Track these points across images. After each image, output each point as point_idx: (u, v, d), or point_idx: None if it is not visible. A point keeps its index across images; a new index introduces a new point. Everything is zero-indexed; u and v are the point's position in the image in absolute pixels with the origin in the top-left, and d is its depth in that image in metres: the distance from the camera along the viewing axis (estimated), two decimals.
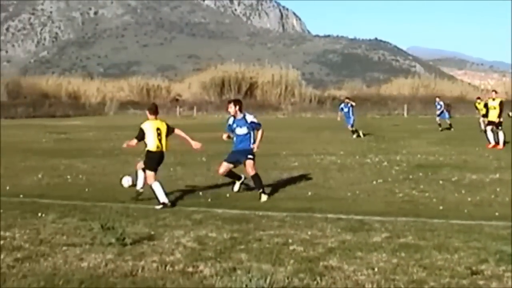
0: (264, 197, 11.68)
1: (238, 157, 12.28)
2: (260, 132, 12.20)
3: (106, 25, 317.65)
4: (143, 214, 9.99)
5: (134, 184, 12.25)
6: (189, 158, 19.67)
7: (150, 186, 11.18)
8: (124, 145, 11.82)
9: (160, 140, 11.59)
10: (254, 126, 12.25)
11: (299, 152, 21.68)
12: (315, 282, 6.19)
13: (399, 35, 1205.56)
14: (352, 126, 29.96)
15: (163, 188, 11.09)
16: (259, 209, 10.56)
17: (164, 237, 8.22)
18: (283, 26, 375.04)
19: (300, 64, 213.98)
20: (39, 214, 9.77)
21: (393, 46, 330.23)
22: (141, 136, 11.49)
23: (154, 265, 6.80)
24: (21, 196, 11.82)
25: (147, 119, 11.62)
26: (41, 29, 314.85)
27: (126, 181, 12.71)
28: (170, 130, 11.90)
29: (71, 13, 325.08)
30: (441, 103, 37.04)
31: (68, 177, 14.95)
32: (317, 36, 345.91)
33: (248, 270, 6.50)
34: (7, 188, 13.04)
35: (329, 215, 9.76)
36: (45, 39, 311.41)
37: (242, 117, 12.43)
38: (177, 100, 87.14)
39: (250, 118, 12.39)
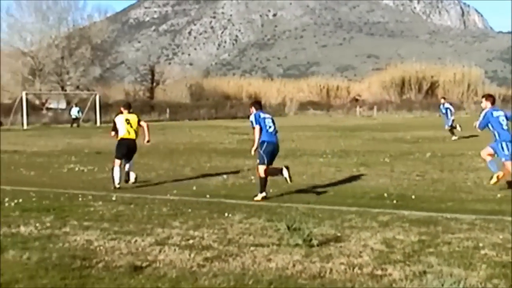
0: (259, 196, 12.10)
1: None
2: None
3: (285, 26, 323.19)
4: (328, 215, 9.98)
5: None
6: (372, 158, 19.54)
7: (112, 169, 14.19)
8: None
9: (129, 129, 14.78)
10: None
11: None
12: None
13: None
14: (451, 126, 28.85)
15: (120, 175, 13.98)
16: (446, 211, 10.24)
17: (351, 239, 8.17)
18: (464, 23, 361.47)
19: (483, 61, 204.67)
20: (226, 214, 10.06)
21: None
22: (114, 127, 15.03)
23: (342, 267, 6.77)
24: (208, 196, 12.28)
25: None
26: (222, 32, 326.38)
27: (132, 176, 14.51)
28: (138, 122, 15.13)
29: (251, 16, 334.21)
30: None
31: (252, 178, 15.29)
32: (501, 32, 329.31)
33: (439, 274, 6.33)
34: (194, 188, 13.61)
35: None
36: (225, 41, 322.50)
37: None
38: (356, 100, 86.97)
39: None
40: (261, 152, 12.96)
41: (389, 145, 25.55)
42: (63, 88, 72.98)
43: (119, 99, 70.31)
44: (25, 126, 51.60)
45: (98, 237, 8.38)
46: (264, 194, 12.30)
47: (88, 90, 69.85)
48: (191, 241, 8.16)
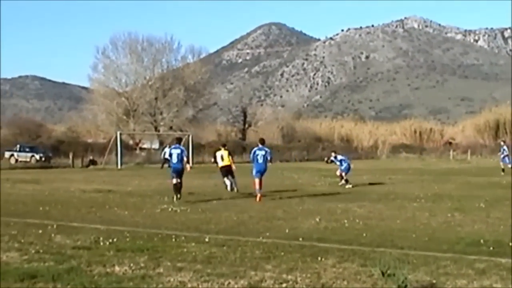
0: None
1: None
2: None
3: (377, 68, 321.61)
4: (423, 261, 9.73)
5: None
6: (466, 203, 19.07)
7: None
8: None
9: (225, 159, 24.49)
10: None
11: None
12: None
13: None
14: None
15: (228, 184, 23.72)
16: None
17: (446, 286, 7.97)
18: None
19: None
20: (319, 258, 9.95)
21: None
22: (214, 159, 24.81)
23: None
24: (301, 239, 12.18)
25: None
26: (314, 74, 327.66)
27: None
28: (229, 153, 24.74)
29: (343, 58, 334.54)
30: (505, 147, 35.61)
31: (345, 221, 15.13)
32: None
33: None
34: (286, 231, 13.56)
35: None
36: (317, 83, 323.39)
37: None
38: (450, 143, 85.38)
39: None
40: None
41: (484, 190, 24.88)
42: (156, 129, 74.71)
43: (212, 140, 71.48)
44: (119, 166, 52.95)
45: (191, 279, 8.44)
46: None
47: (181, 130, 71.25)
48: (284, 285, 8.11)
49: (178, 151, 21.51)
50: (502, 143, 37.29)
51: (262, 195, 21.20)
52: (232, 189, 24.24)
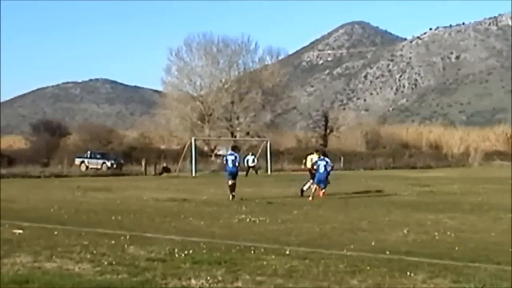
0: None
1: None
2: None
3: (469, 69, 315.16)
4: None
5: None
6: None
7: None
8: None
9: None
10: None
11: None
12: None
13: None
14: None
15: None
16: None
17: None
18: None
19: None
20: (408, 273, 9.78)
21: None
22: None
23: None
24: (388, 252, 12.01)
25: None
26: (400, 76, 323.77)
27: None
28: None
29: (432, 58, 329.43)
30: None
31: (436, 233, 14.87)
32: None
33: None
34: (372, 243, 13.41)
35: None
36: (404, 86, 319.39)
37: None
38: None
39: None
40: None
41: None
42: (232, 134, 75.21)
43: (291, 147, 71.45)
44: (193, 173, 53.54)
45: None
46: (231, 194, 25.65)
47: (259, 136, 71.56)
48: None
49: (233, 157, 26.77)
50: None
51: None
52: (304, 189, 27.80)
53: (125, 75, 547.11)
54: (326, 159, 27.23)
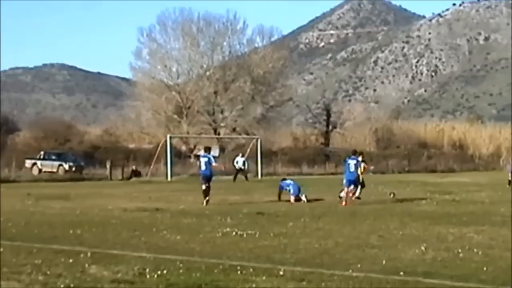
0: None
1: None
2: None
3: (500, 54, 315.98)
4: None
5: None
6: None
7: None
8: None
9: None
10: None
11: None
12: None
13: None
14: None
15: None
16: None
17: None
18: None
19: None
20: None
21: None
22: None
23: None
24: (402, 273, 12.04)
25: None
26: (417, 61, 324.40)
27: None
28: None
29: (455, 40, 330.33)
30: None
31: (459, 250, 14.91)
32: None
33: None
34: (383, 262, 13.43)
35: None
36: (421, 73, 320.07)
37: None
38: None
39: None
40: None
41: None
42: (216, 131, 75.19)
43: (286, 146, 71.48)
44: (169, 178, 53.48)
45: None
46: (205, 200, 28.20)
47: (248, 133, 71.57)
48: None
49: (206, 159, 29.32)
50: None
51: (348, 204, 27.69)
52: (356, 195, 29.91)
53: (86, 60, 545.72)
54: (359, 158, 30.10)
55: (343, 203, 27.80)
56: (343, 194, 29.34)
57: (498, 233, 18.30)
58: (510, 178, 42.72)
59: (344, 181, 29.02)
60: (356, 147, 32.60)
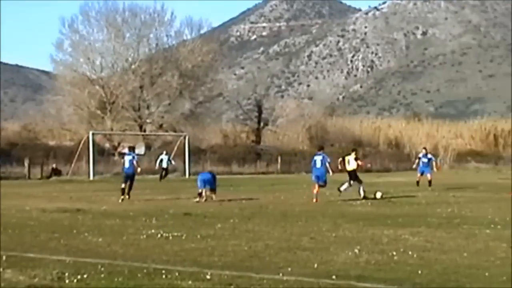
0: None
1: None
2: None
3: (438, 49, 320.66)
4: None
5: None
6: None
7: None
8: None
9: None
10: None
11: None
12: None
13: None
14: None
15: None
16: None
17: None
18: None
19: None
20: None
21: None
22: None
23: None
24: (334, 277, 12.13)
25: None
26: (353, 56, 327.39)
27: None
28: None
29: (392, 35, 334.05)
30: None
31: (394, 253, 15.07)
32: None
33: None
34: (316, 266, 13.52)
35: None
36: (357, 69, 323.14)
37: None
38: None
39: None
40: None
41: None
42: (141, 128, 74.82)
43: (215, 144, 71.46)
44: (91, 177, 53.09)
45: None
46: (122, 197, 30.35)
47: (175, 130, 71.40)
48: None
49: (130, 157, 31.85)
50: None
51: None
52: (341, 189, 32.79)
53: (3, 51, 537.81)
54: (323, 154, 31.79)
55: (314, 199, 30.25)
56: (343, 188, 32.75)
57: (434, 235, 18.50)
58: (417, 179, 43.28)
59: (313, 177, 31.35)
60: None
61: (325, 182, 31.12)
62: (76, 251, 15.09)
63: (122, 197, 30.56)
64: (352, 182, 33.17)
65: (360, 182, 32.90)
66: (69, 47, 77.81)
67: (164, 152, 55.19)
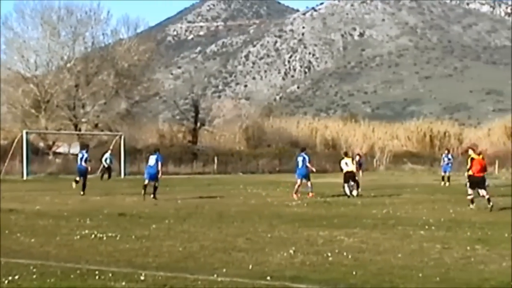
0: None
1: None
2: None
3: (375, 50, 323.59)
4: None
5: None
6: (492, 232, 19.30)
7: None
8: None
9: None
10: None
11: None
12: None
13: None
14: None
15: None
16: None
17: None
18: None
19: None
20: None
21: None
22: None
23: None
24: (269, 278, 12.17)
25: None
26: (290, 57, 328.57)
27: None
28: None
29: (329, 35, 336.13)
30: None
31: (329, 254, 15.15)
32: None
33: None
34: (250, 267, 13.54)
35: None
36: (294, 69, 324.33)
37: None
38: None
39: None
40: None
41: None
42: (76, 127, 74.14)
43: (152, 143, 71.12)
44: (25, 176, 52.49)
45: None
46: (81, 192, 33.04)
47: (111, 130, 70.84)
48: None
49: (81, 155, 34.95)
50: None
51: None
52: (350, 195, 34.21)
53: None
54: (304, 154, 34.99)
55: (294, 195, 33.04)
56: (354, 193, 34.57)
57: (369, 236, 18.65)
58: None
59: (296, 175, 34.74)
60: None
61: (308, 178, 34.54)
62: (8, 252, 14.90)
63: (82, 193, 33.78)
64: (352, 183, 35.20)
65: (358, 184, 35.56)
66: (3, 44, 76.77)
67: (110, 151, 54.87)
